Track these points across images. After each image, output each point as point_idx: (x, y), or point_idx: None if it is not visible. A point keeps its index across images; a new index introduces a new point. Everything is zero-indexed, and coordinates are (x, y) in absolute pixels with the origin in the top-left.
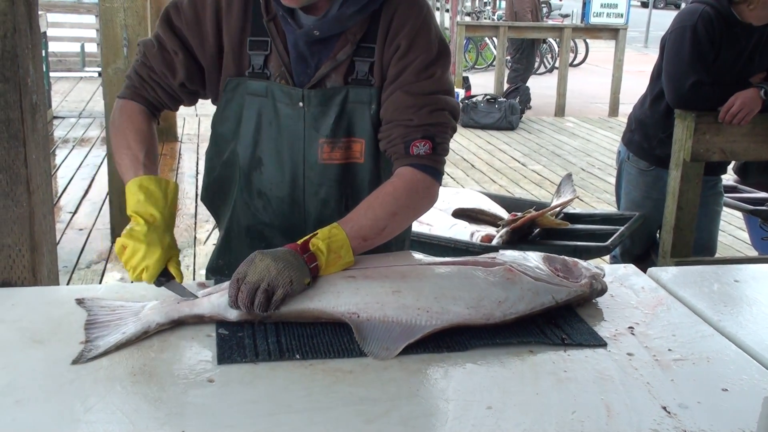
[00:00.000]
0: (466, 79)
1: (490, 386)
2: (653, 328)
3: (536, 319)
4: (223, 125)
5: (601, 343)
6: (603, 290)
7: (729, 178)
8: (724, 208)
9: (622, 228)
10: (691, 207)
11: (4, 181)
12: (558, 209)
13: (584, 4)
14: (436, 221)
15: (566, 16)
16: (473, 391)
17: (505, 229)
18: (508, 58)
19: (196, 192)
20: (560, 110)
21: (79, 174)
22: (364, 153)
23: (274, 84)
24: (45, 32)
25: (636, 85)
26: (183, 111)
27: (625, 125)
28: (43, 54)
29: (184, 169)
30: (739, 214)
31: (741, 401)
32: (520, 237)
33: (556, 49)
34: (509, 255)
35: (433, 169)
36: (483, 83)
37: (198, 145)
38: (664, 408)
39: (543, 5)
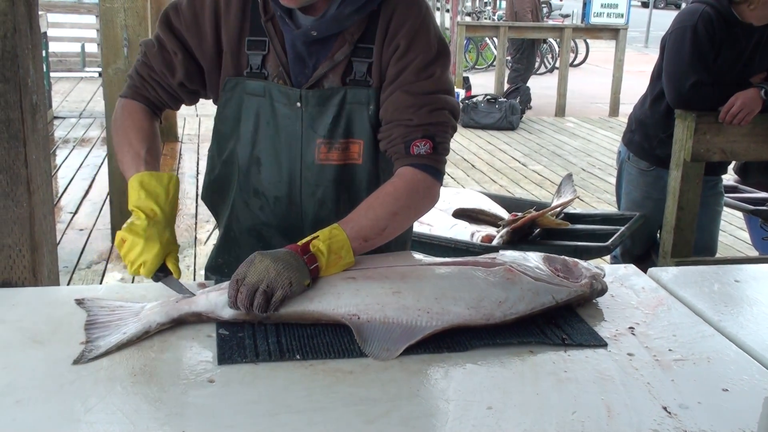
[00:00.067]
0: (466, 80)
1: (491, 386)
2: (654, 329)
3: (536, 320)
4: (223, 124)
5: (601, 344)
6: (603, 290)
7: (729, 178)
8: (725, 208)
9: (623, 228)
10: (692, 207)
11: (5, 181)
12: (558, 209)
13: (584, 4)
14: (436, 221)
15: (566, 16)
16: (473, 392)
17: (505, 230)
18: (509, 58)
19: (197, 192)
20: (561, 110)
21: (80, 174)
22: (363, 154)
23: (272, 84)
24: (45, 32)
25: (636, 85)
26: (183, 111)
27: (626, 125)
28: (44, 54)
29: (184, 169)
30: (739, 214)
31: (741, 401)
32: (521, 237)
33: (557, 49)
34: (509, 255)
35: (433, 168)
36: (483, 83)
37: (198, 146)
38: (665, 408)
39: (543, 5)
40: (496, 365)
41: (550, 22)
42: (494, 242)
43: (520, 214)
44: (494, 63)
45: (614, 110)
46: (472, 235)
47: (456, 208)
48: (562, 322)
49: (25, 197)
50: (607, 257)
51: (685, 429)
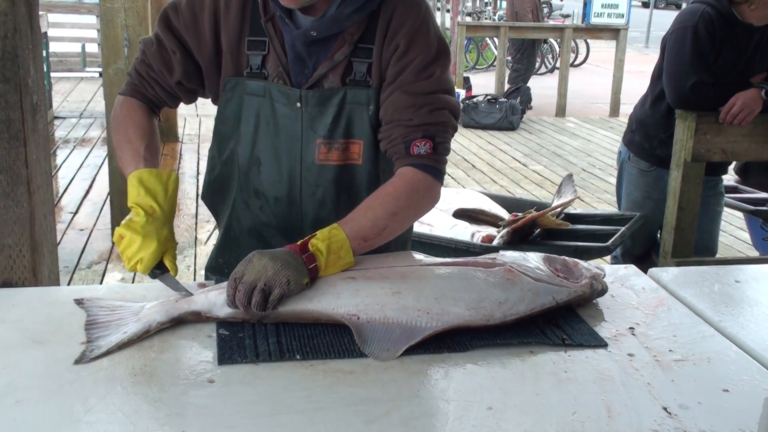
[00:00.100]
0: (467, 80)
1: (491, 387)
2: (654, 329)
3: (537, 320)
4: (223, 124)
5: (601, 344)
6: (603, 291)
7: (730, 178)
8: (725, 209)
9: (623, 228)
10: (692, 207)
11: (5, 181)
12: (559, 209)
13: (585, 4)
14: (436, 222)
15: (567, 16)
16: (474, 392)
17: (505, 230)
18: (509, 58)
19: (197, 192)
20: (561, 110)
21: (80, 174)
22: (363, 154)
23: (272, 84)
24: (46, 32)
25: (637, 85)
26: (184, 111)
27: (626, 125)
28: (44, 54)
29: (184, 169)
30: (740, 214)
31: (742, 402)
32: (521, 237)
33: (557, 49)
34: (510, 255)
35: (434, 168)
36: (484, 83)
37: (199, 146)
38: (665, 408)
39: (544, 5)
40: (496, 365)
41: (551, 22)
42: (494, 242)
43: (520, 214)
44: (495, 63)
45: (615, 110)
46: (473, 235)
47: (456, 209)
48: (563, 323)
49: (26, 197)
50: (608, 257)
51: (686, 429)
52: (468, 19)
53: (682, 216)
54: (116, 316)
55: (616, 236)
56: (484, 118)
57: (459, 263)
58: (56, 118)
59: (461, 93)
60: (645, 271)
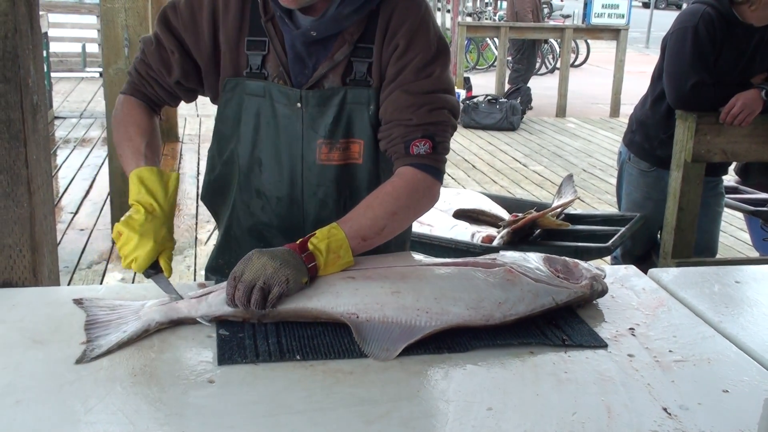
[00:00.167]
0: (467, 80)
1: (491, 387)
2: (654, 330)
3: (537, 320)
4: (223, 124)
5: (601, 344)
6: (603, 291)
7: (730, 179)
8: (725, 209)
9: (623, 229)
10: (692, 208)
11: (5, 181)
12: (559, 210)
13: (585, 4)
14: (436, 222)
15: (567, 16)
16: (474, 393)
17: (506, 230)
18: (510, 58)
19: (197, 192)
20: (561, 111)
21: (80, 174)
22: (363, 154)
23: (272, 84)
24: (46, 32)
25: (637, 85)
26: (184, 111)
27: (626, 126)
28: (44, 54)
29: (185, 169)
30: (740, 215)
31: (742, 402)
32: (521, 238)
33: (558, 49)
34: (510, 256)
35: (433, 168)
36: (484, 84)
37: (199, 146)
38: (665, 409)
39: (544, 6)
40: (496, 366)
41: (551, 23)
42: (495, 243)
43: (520, 214)
44: (495, 63)
45: (615, 111)
46: (473, 235)
47: (456, 209)
48: (563, 323)
49: (26, 197)
50: (608, 258)
51: (685, 430)
52: (468, 19)
53: (683, 216)
54: (116, 316)
55: (616, 237)
56: (484, 118)
57: (459, 263)
58: (56, 118)
59: (461, 93)
60: (645, 271)
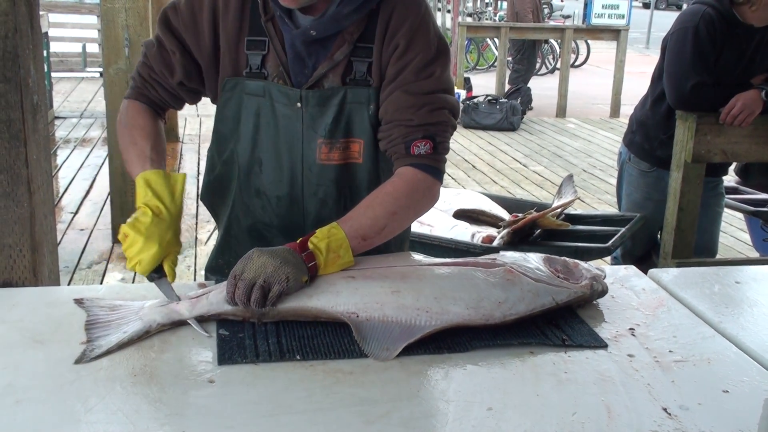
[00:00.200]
0: (467, 80)
1: (491, 387)
2: (654, 330)
3: (537, 320)
4: (223, 124)
5: (601, 345)
6: (603, 291)
7: (730, 179)
8: (726, 210)
9: (623, 229)
10: (693, 208)
11: (5, 181)
12: (559, 210)
13: (586, 4)
14: (437, 222)
15: (567, 17)
16: (474, 393)
17: (506, 230)
18: (510, 59)
19: (197, 192)
20: (561, 111)
21: (81, 174)
22: (363, 153)
23: (272, 84)
24: (46, 32)
25: (637, 86)
26: (184, 111)
27: (627, 126)
28: (45, 54)
29: (185, 169)
30: (740, 215)
31: (742, 403)
32: (521, 238)
33: (558, 50)
34: (510, 256)
35: (434, 168)
36: (484, 84)
37: (199, 146)
38: (665, 409)
39: (544, 6)
40: (496, 366)
41: (551, 23)
42: (495, 243)
43: (520, 215)
44: (495, 64)
45: (615, 111)
46: (473, 236)
47: (456, 209)
48: (563, 323)
49: (26, 197)
50: (608, 258)
51: (685, 430)
52: (468, 19)
53: (683, 217)
54: (116, 316)
55: (616, 237)
56: (484, 118)
57: (459, 263)
58: (57, 118)
59: (462, 93)
60: (645, 272)
